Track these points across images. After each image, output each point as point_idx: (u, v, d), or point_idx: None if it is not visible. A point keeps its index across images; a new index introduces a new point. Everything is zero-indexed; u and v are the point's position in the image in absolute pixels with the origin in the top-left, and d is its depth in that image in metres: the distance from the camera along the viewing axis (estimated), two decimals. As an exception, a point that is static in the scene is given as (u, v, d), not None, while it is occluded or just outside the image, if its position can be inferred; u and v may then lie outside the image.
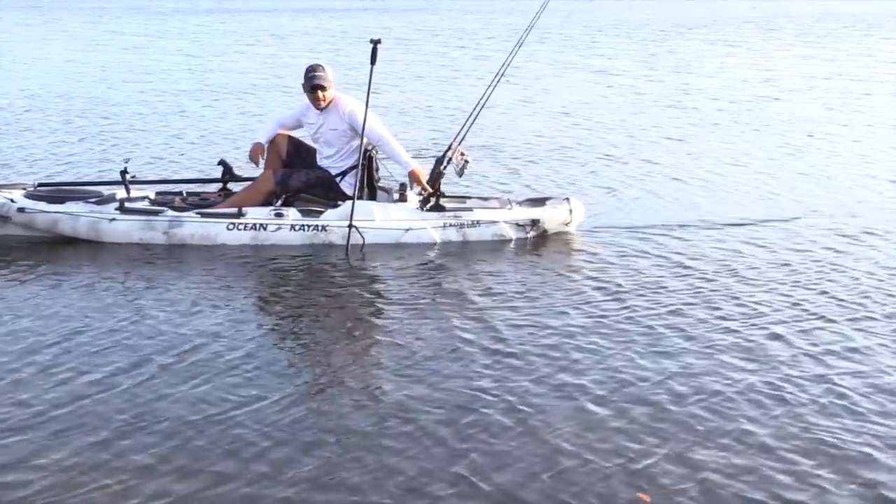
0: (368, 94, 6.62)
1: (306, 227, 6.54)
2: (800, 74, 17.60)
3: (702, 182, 8.82)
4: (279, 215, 6.56)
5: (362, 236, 6.50)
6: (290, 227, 6.52)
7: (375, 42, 6.61)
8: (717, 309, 5.41)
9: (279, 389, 4.29)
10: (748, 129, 11.75)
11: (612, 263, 6.28)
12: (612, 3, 45.68)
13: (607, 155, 10.04)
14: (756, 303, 5.53)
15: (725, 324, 5.19)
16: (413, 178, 6.68)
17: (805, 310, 5.42)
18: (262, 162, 6.93)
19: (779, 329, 5.10)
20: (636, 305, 5.46)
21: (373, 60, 6.62)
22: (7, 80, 15.69)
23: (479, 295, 5.68)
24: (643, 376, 4.47)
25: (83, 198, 6.73)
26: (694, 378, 4.45)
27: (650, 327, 5.12)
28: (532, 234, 6.84)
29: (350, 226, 6.46)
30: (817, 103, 13.98)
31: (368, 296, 5.72)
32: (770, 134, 11.43)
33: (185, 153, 9.97)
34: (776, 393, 4.31)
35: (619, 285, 5.82)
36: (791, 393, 4.30)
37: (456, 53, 20.50)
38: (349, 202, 6.60)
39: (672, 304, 5.49)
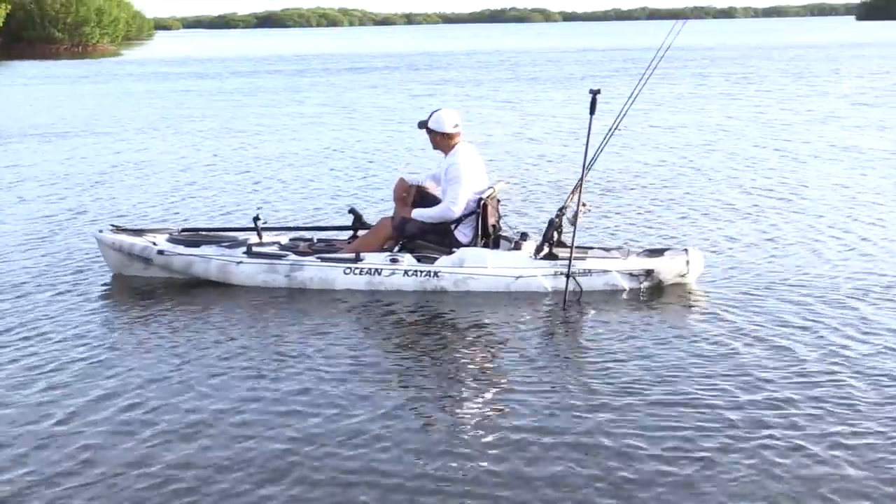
0: (588, 144, 6.64)
1: (419, 273, 6.72)
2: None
3: (839, 241, 8.24)
4: (394, 261, 6.78)
5: (579, 285, 6.58)
6: (403, 272, 6.73)
7: (595, 92, 6.65)
8: (843, 383, 5.03)
9: (385, 426, 4.54)
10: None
11: (723, 320, 6.10)
12: (734, 50, 44.31)
13: (736, 207, 9.71)
14: (885, 375, 5.16)
15: (850, 400, 4.84)
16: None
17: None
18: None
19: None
20: (746, 364, 5.29)
21: (592, 110, 6.67)
22: (184, 139, 16.78)
23: (580, 344, 5.73)
24: (761, 442, 4.37)
25: (217, 242, 7.18)
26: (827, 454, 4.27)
27: (762, 388, 4.95)
28: (646, 284, 6.76)
29: (568, 275, 6.53)
30: None
31: (476, 342, 5.84)
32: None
33: (322, 204, 10.34)
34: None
35: (727, 342, 5.67)
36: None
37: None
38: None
39: (790, 369, 5.23)
